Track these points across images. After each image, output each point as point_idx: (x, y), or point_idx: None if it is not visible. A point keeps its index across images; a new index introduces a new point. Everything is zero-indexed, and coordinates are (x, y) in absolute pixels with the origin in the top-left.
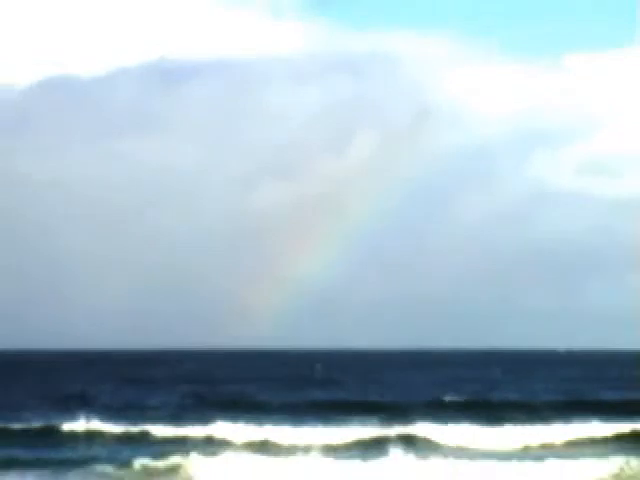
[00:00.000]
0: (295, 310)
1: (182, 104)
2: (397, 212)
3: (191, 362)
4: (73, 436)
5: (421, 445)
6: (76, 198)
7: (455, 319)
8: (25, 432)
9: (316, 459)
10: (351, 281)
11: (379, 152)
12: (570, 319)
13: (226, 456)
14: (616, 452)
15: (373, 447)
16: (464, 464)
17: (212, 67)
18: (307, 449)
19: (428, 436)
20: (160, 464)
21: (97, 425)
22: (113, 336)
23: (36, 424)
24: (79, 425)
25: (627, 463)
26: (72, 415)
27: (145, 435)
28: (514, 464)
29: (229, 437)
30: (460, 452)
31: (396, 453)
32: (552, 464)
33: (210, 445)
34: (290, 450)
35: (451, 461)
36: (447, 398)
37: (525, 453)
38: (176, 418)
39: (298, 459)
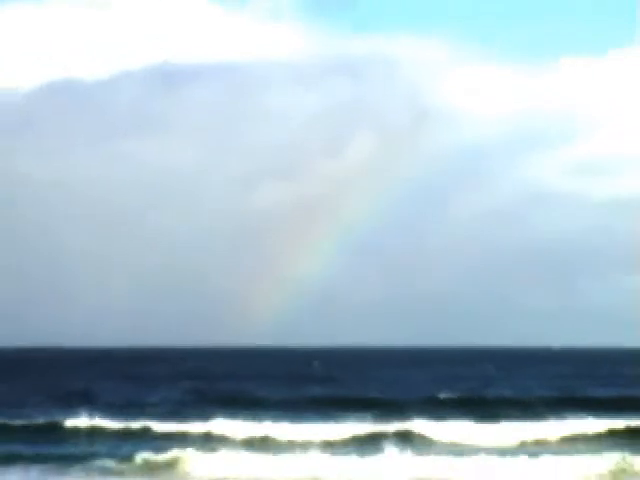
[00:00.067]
0: (294, 309)
1: (184, 106)
2: (395, 212)
3: (192, 360)
4: (75, 432)
5: (417, 441)
6: (79, 199)
7: (452, 317)
8: (28, 428)
9: (313, 455)
10: (349, 280)
11: (378, 153)
12: (564, 317)
13: (225, 451)
14: (610, 448)
15: (370, 443)
16: (459, 460)
17: (213, 70)
18: (305, 445)
19: (424, 432)
20: (160, 458)
21: (99, 421)
22: (115, 334)
23: (39, 420)
24: (81, 421)
25: (623, 459)
26: (74, 411)
27: (146, 431)
28: (509, 460)
29: (228, 433)
30: (455, 448)
31: (392, 449)
32: (547, 460)
33: (209, 441)
34: (288, 446)
35: (446, 457)
36: (443, 395)
37: (520, 449)
38: (176, 414)
39: (296, 455)
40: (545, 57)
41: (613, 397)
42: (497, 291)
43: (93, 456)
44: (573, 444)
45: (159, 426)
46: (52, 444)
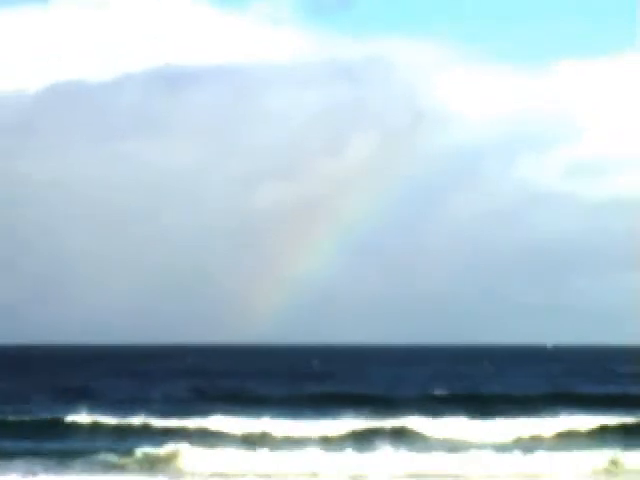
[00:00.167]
0: (294, 307)
1: (185, 108)
2: (393, 211)
3: (193, 357)
4: (77, 428)
5: (413, 437)
6: (82, 199)
7: (450, 316)
8: (30, 424)
9: (311, 451)
10: (349, 279)
11: (377, 153)
12: (558, 316)
13: (224, 447)
14: (603, 444)
15: (367, 439)
16: (454, 456)
17: (214, 73)
18: (303, 441)
19: (420, 428)
20: (160, 454)
21: (100, 417)
22: (116, 333)
23: (41, 416)
24: (82, 417)
25: (617, 455)
26: (76, 408)
27: (146, 427)
28: (503, 456)
29: (228, 429)
30: (451, 444)
31: (388, 445)
32: (541, 456)
33: (209, 436)
34: (286, 442)
35: (441, 453)
36: (438, 392)
37: (514, 445)
38: (177, 411)
39: (294, 450)
40: (543, 59)
41: (605, 394)
42: (496, 290)
43: (95, 451)
44: (567, 440)
45: (159, 422)
46: (54, 439)
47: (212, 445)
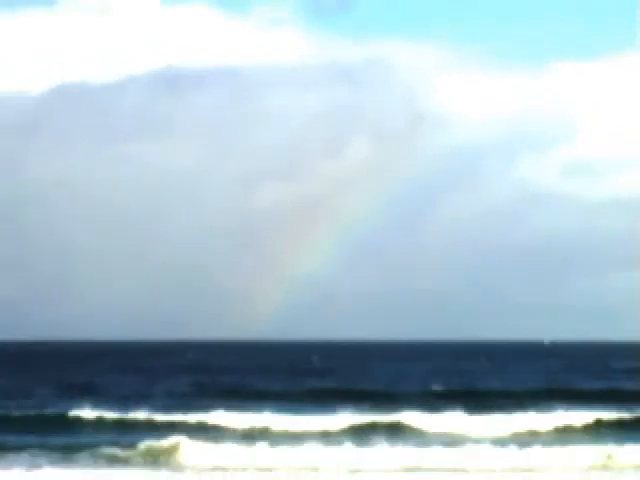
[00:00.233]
0: (294, 305)
1: (187, 109)
2: (393, 211)
3: (195, 353)
4: (81, 422)
5: (410, 431)
6: (85, 199)
7: (449, 314)
8: (36, 419)
9: (311, 445)
10: (348, 278)
11: (375, 154)
12: (554, 313)
13: (225, 441)
14: (599, 439)
15: (365, 434)
16: (451, 450)
17: (215, 74)
18: (303, 435)
19: (417, 423)
20: (162, 447)
21: (104, 412)
22: (120, 329)
23: (46, 411)
24: (87, 412)
25: (612, 450)
26: (80, 403)
27: (149, 421)
28: (501, 450)
29: (229, 423)
30: (447, 438)
31: (386, 439)
32: (537, 450)
33: (210, 430)
34: (286, 436)
35: (438, 447)
36: (436, 387)
37: (510, 439)
38: (179, 405)
39: (294, 445)
40: (542, 59)
41: (602, 389)
42: (495, 289)
43: (98, 444)
44: (563, 435)
45: (161, 416)
46: (59, 434)
47: (212, 439)
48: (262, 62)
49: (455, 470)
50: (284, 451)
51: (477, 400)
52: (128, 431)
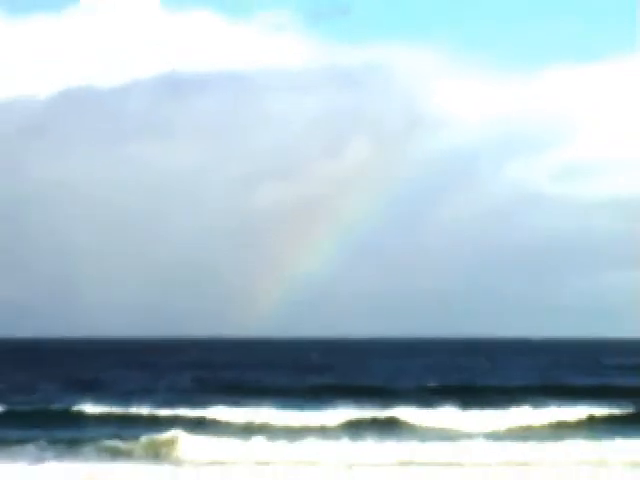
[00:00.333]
0: (294, 303)
1: (190, 112)
2: (391, 211)
3: (197, 350)
4: (85, 416)
5: (407, 427)
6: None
7: (448, 312)
8: (42, 413)
9: (310, 440)
10: (348, 277)
11: (375, 156)
12: (554, 313)
13: (225, 435)
14: (591, 435)
15: (363, 429)
16: (447, 445)
17: (218, 78)
18: (302, 431)
19: (414, 419)
20: (163, 442)
21: (107, 407)
22: (123, 327)
23: (52, 406)
24: (91, 406)
25: (606, 445)
26: (85, 398)
27: (151, 416)
28: (495, 445)
29: (229, 418)
30: (443, 434)
31: (383, 434)
32: (529, 446)
33: (210, 425)
34: (286, 431)
35: (435, 442)
36: (431, 383)
37: (506, 434)
38: (180, 400)
39: (293, 440)
40: (540, 62)
41: (595, 386)
42: (495, 289)
43: (102, 438)
44: (556, 430)
45: (163, 411)
46: (63, 428)
47: (211, 433)
48: (264, 66)
49: (450, 464)
50: (282, 445)
51: (472, 396)
52: (130, 425)
